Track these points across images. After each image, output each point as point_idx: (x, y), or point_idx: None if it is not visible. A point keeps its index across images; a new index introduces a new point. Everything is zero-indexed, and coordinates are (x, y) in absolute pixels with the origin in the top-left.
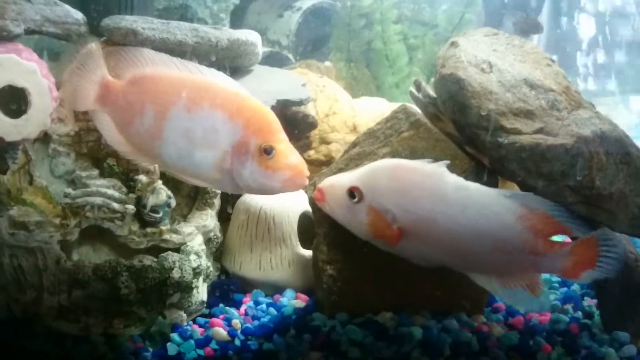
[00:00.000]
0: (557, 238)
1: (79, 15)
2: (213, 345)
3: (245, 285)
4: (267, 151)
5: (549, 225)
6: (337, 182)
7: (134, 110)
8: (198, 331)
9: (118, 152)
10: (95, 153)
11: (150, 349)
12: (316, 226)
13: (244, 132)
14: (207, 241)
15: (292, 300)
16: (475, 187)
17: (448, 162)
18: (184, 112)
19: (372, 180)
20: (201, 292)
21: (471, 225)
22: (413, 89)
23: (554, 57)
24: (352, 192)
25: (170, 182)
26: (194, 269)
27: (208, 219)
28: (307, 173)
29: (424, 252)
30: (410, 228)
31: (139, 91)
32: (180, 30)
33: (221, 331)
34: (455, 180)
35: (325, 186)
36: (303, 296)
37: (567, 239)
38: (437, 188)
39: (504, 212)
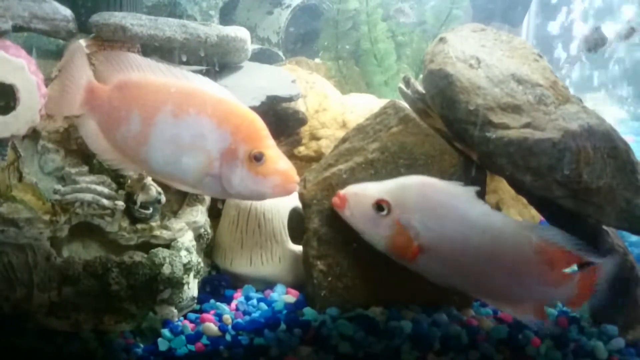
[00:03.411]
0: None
1: (67, 11)
2: (204, 340)
3: (236, 281)
4: (257, 158)
5: (564, 257)
6: (362, 192)
7: (120, 115)
8: (189, 327)
9: (103, 161)
10: (85, 150)
11: (141, 345)
12: (306, 222)
13: (233, 139)
14: (198, 237)
15: (283, 296)
16: (498, 217)
17: (478, 188)
18: (170, 118)
19: (401, 195)
20: (192, 287)
21: (489, 251)
22: (402, 85)
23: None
24: (380, 205)
25: None
26: (184, 265)
27: (198, 214)
28: (297, 179)
29: (439, 271)
30: (430, 246)
31: (125, 96)
32: (169, 26)
33: (212, 326)
34: (481, 206)
35: (348, 194)
36: (293, 291)
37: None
38: (462, 210)
39: (522, 243)
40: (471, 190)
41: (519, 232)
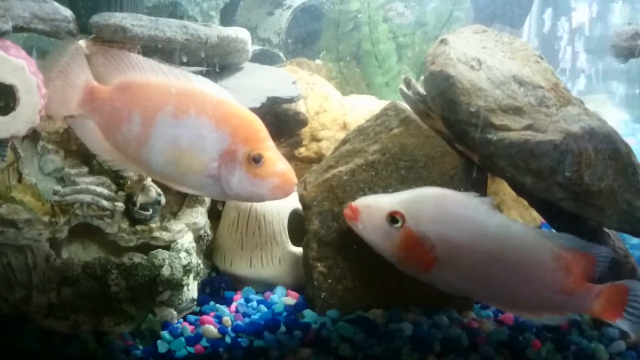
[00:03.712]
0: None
1: (67, 12)
2: (203, 342)
3: (236, 283)
4: (256, 159)
5: (580, 261)
6: (375, 204)
7: (121, 116)
8: (188, 329)
9: (103, 162)
10: (85, 150)
11: (141, 347)
12: (307, 223)
13: (232, 140)
14: (198, 238)
15: (283, 298)
16: (516, 226)
17: (493, 197)
18: (171, 119)
19: (416, 207)
20: (191, 289)
21: (507, 263)
22: (403, 87)
23: None
24: (394, 217)
25: None
26: (184, 267)
27: (198, 216)
28: (296, 180)
29: (454, 282)
30: (446, 258)
31: (127, 97)
32: (169, 27)
33: (212, 328)
34: (498, 217)
35: (361, 206)
36: (293, 293)
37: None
38: (479, 222)
39: (540, 252)
40: (487, 201)
41: (538, 241)
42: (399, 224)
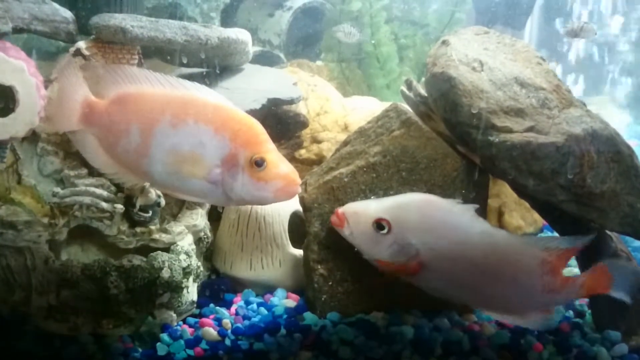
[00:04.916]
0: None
1: (67, 13)
2: (203, 345)
3: (236, 285)
4: (258, 163)
5: (563, 257)
6: (362, 211)
7: (119, 129)
8: (188, 331)
9: (103, 174)
10: None
11: (140, 349)
12: (307, 225)
13: (232, 145)
14: (197, 241)
15: (283, 300)
16: (500, 235)
17: (477, 206)
18: (169, 128)
19: (401, 213)
20: (191, 292)
21: (491, 270)
22: (404, 88)
23: None
24: (380, 224)
25: None
26: (183, 269)
27: (198, 218)
28: (299, 181)
29: (440, 287)
30: (431, 264)
31: (124, 110)
32: (169, 28)
33: (211, 331)
34: (481, 225)
35: (348, 212)
36: (294, 296)
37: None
38: (463, 230)
39: (526, 260)
40: (471, 208)
41: (523, 248)
42: (385, 231)
